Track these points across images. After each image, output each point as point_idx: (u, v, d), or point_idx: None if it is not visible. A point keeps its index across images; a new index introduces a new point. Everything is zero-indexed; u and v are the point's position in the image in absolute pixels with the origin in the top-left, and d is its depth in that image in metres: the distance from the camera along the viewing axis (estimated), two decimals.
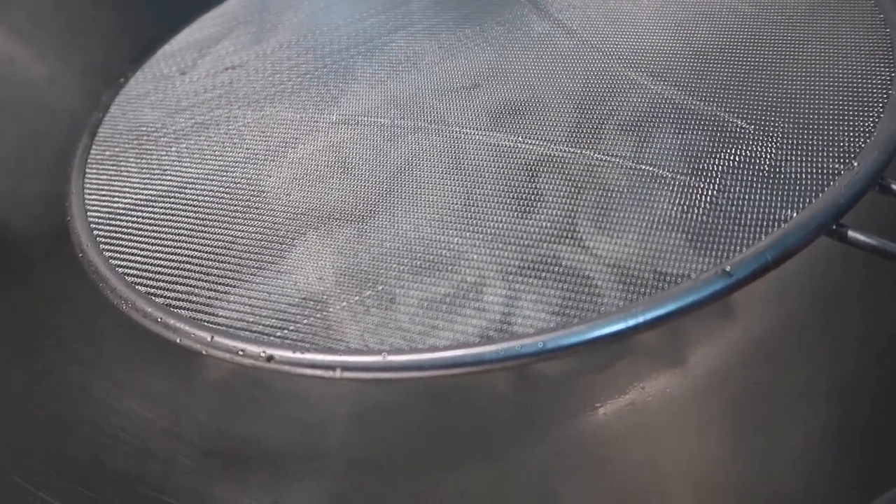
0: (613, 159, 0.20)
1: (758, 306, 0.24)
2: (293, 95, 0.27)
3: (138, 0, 0.36)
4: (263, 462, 0.25)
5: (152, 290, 0.20)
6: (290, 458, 0.25)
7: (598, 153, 0.20)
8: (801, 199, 0.17)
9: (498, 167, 0.21)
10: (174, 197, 0.23)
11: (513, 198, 0.20)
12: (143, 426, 0.24)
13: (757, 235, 0.17)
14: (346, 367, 0.16)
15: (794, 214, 0.17)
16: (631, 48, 0.24)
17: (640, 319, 0.16)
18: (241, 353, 0.17)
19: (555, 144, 0.21)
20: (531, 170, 0.21)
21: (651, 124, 0.21)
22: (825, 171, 0.18)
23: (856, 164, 0.18)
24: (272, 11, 0.32)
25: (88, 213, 0.23)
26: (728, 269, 0.16)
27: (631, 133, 0.21)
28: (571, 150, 0.21)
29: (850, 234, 0.17)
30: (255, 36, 0.31)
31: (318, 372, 0.16)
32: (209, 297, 0.19)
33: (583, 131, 0.21)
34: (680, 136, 0.20)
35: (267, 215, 0.21)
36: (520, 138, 0.22)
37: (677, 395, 0.24)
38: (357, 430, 0.25)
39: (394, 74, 0.27)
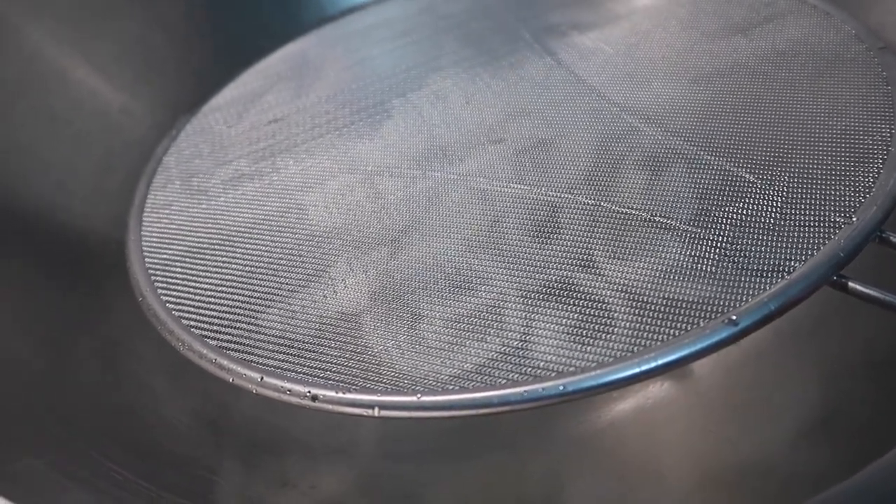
0: (628, 211, 0.22)
1: None
2: (331, 147, 0.29)
3: (204, 40, 0.39)
4: (300, 450, 0.28)
5: (206, 333, 0.21)
6: (325, 448, 0.28)
7: (613, 204, 0.22)
8: (804, 251, 0.19)
9: (517, 216, 0.23)
10: (224, 244, 0.25)
11: (531, 240, 0.21)
12: (195, 416, 0.27)
13: (762, 286, 0.18)
14: (383, 407, 0.18)
15: (798, 265, 0.18)
16: (645, 102, 0.26)
17: (653, 365, 0.17)
18: (288, 392, 0.19)
19: (571, 194, 0.23)
20: (549, 221, 0.22)
21: (663, 176, 0.23)
22: (827, 225, 0.19)
23: (855, 218, 0.19)
24: (310, 67, 0.35)
25: (146, 259, 0.25)
26: (734, 318, 0.17)
27: (644, 184, 0.23)
28: (587, 202, 0.22)
29: (851, 285, 0.18)
30: (295, 91, 0.33)
31: (358, 410, 0.18)
32: (258, 340, 0.21)
33: (598, 182, 0.23)
34: (690, 188, 0.22)
35: (309, 262, 0.23)
36: (541, 189, 0.24)
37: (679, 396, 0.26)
38: (385, 422, 0.27)
39: (424, 127, 0.28)
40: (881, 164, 0.20)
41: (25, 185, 0.32)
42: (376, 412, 0.18)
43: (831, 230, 0.19)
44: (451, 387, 0.18)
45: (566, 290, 0.20)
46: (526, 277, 0.21)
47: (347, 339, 0.20)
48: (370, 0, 0.39)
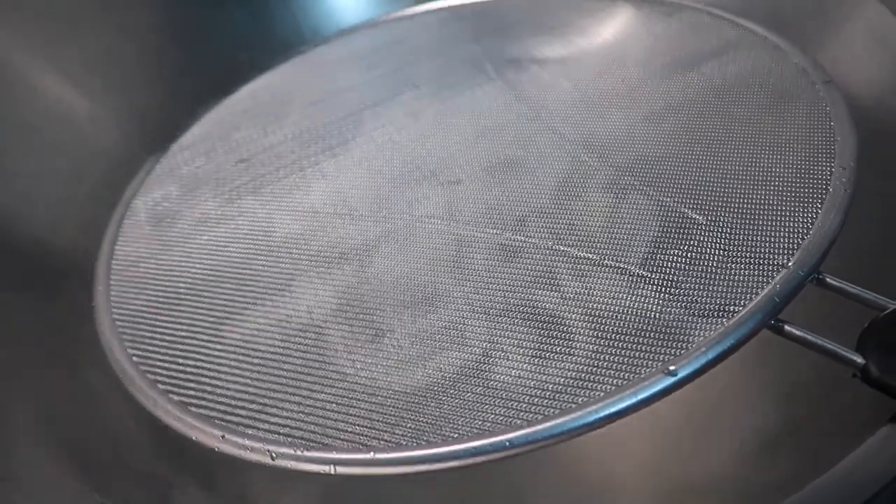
0: (581, 255, 0.22)
1: None
2: (295, 189, 0.29)
3: (175, 53, 0.40)
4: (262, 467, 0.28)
5: (171, 388, 0.22)
6: None
7: (567, 247, 0.23)
8: (744, 297, 0.19)
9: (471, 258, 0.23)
10: (190, 294, 0.25)
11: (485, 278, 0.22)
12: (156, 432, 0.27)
13: (700, 334, 0.19)
14: (338, 464, 0.19)
15: (737, 310, 0.19)
16: (600, 139, 0.27)
17: (597, 416, 0.18)
18: (249, 450, 0.20)
19: (526, 237, 0.23)
20: (503, 255, 0.23)
21: (615, 216, 0.23)
22: (766, 268, 0.20)
23: (791, 262, 0.19)
24: (278, 103, 0.35)
25: (113, 311, 0.26)
26: (672, 368, 0.18)
27: (597, 226, 0.23)
28: (541, 244, 0.23)
29: (787, 328, 0.19)
30: (262, 129, 0.34)
31: (316, 468, 0.19)
32: (222, 396, 0.21)
33: (552, 223, 0.24)
34: (641, 230, 0.22)
35: (272, 313, 0.24)
36: (494, 230, 0.24)
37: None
38: None
39: (384, 167, 0.29)
40: (820, 204, 0.21)
41: None
42: (333, 470, 0.18)
43: (770, 274, 0.20)
44: (404, 442, 0.18)
45: (517, 334, 0.20)
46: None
47: (307, 393, 0.21)
48: (336, 33, 0.40)
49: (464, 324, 0.21)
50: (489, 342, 0.20)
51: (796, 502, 0.16)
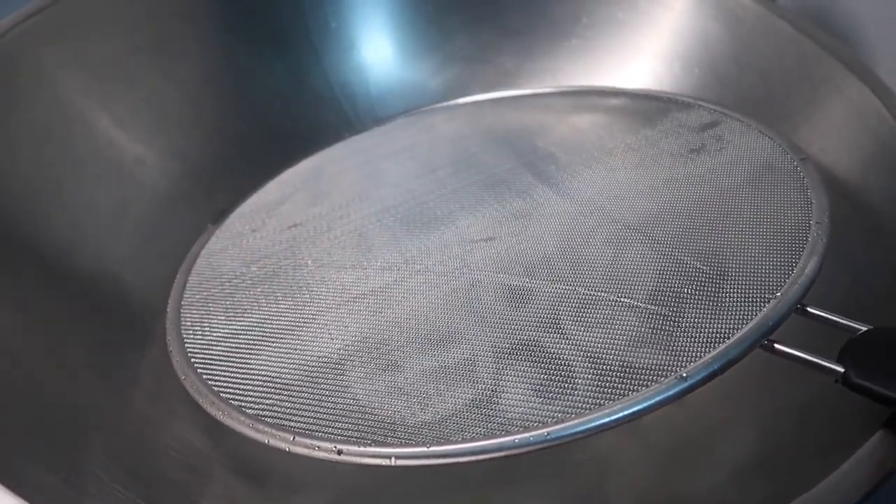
0: (599, 294, 0.26)
1: None
2: (345, 249, 0.33)
3: (213, 100, 0.44)
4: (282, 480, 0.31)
5: (243, 404, 0.25)
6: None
7: (587, 289, 0.26)
8: (741, 322, 0.23)
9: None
10: (256, 330, 0.29)
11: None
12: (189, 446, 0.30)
13: (707, 350, 0.22)
14: (398, 457, 0.22)
15: (735, 333, 0.22)
16: (621, 212, 0.31)
17: (614, 417, 0.21)
18: (316, 448, 0.22)
19: (554, 283, 0.27)
20: (526, 299, 0.27)
21: (628, 262, 0.27)
22: (759, 301, 0.23)
23: (779, 294, 0.23)
24: (324, 180, 0.40)
25: (185, 344, 0.29)
26: (684, 374, 0.21)
27: (611, 271, 0.27)
28: (566, 288, 0.27)
29: (777, 346, 0.22)
30: (312, 200, 0.38)
31: (377, 461, 0.22)
32: (289, 407, 0.24)
33: (575, 273, 0.27)
34: (650, 273, 0.26)
35: (327, 345, 0.27)
36: (524, 279, 0.28)
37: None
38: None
39: (426, 232, 0.33)
40: (801, 250, 0.25)
41: (47, 222, 0.36)
42: (393, 461, 0.21)
43: (762, 304, 0.23)
44: (455, 438, 0.21)
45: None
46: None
47: (361, 403, 0.24)
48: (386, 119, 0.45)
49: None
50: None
51: None
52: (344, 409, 0.24)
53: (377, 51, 0.47)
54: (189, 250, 0.36)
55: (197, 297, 0.32)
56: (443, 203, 0.36)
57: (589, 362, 0.23)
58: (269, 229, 0.37)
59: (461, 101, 0.45)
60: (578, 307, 0.26)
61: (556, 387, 0.23)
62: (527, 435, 0.21)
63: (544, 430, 0.21)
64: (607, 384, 0.22)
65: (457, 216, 0.34)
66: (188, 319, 0.31)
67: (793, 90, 0.35)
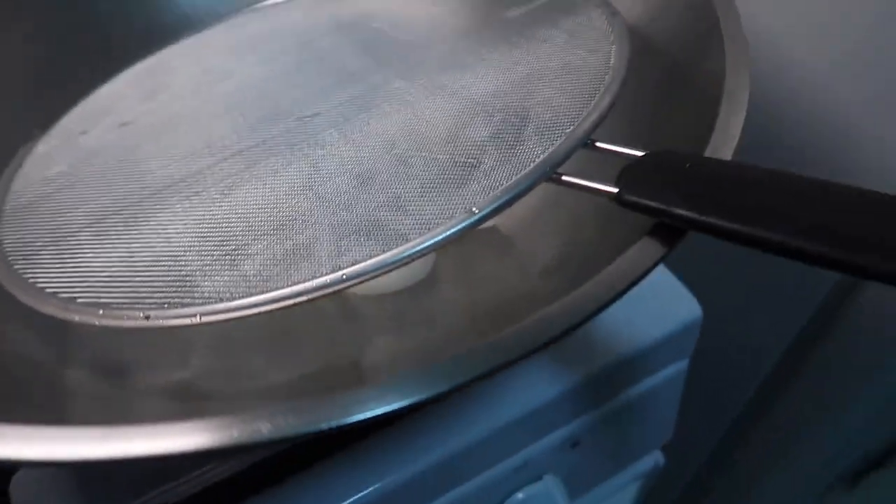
0: (423, 154, 0.27)
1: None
2: (180, 142, 0.33)
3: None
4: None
5: (58, 290, 0.25)
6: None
7: (421, 152, 0.27)
8: (533, 159, 0.24)
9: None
10: (85, 227, 0.28)
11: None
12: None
13: (498, 185, 0.23)
14: (204, 314, 0.22)
15: (525, 169, 0.23)
16: (454, 83, 0.31)
17: (422, 245, 0.22)
18: (125, 317, 0.23)
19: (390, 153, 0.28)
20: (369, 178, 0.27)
21: (457, 131, 0.28)
22: (551, 135, 0.25)
23: (568, 131, 0.24)
24: (159, 79, 0.39)
25: (5, 245, 0.28)
26: (475, 209, 0.22)
27: (443, 137, 0.28)
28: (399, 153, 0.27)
29: (564, 178, 0.23)
30: (145, 98, 0.37)
31: (183, 321, 0.22)
32: (105, 289, 0.24)
33: (413, 143, 0.28)
34: (467, 131, 0.27)
35: (159, 237, 0.27)
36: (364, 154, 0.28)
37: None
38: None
39: (266, 121, 0.33)
40: (596, 93, 0.26)
41: None
42: (199, 319, 0.22)
43: (554, 139, 0.24)
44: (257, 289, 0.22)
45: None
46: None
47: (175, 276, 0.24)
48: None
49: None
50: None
51: (570, 300, 0.21)
52: (160, 281, 0.24)
53: None
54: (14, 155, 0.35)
55: (22, 199, 0.31)
56: (283, 91, 0.35)
57: (397, 212, 0.24)
58: (100, 129, 0.35)
59: None
60: (399, 169, 0.26)
61: (361, 235, 0.23)
62: (325, 278, 0.22)
63: (340, 273, 0.22)
64: (407, 228, 0.23)
65: (298, 104, 0.34)
66: (12, 221, 0.30)
67: None
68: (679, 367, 0.43)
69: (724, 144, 0.24)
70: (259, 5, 0.44)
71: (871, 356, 0.49)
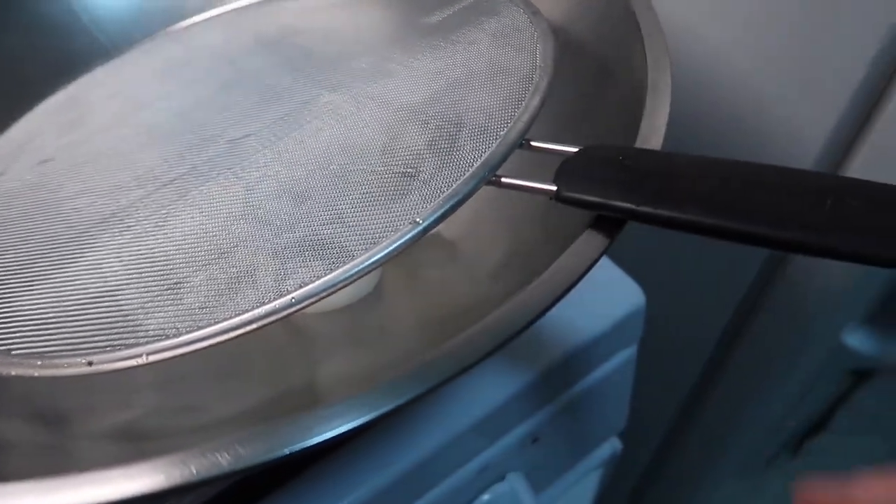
0: (360, 167, 0.26)
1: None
2: (105, 176, 0.31)
3: None
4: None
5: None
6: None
7: (358, 166, 0.27)
8: (470, 164, 0.24)
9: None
10: (12, 272, 0.27)
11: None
12: None
13: (438, 193, 0.23)
14: (150, 353, 0.21)
15: (464, 175, 0.24)
16: (385, 94, 0.31)
17: (368, 262, 0.22)
18: (65, 365, 0.22)
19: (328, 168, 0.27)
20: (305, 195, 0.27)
21: (390, 142, 0.28)
22: (487, 140, 0.25)
23: (503, 134, 0.25)
24: (77, 111, 0.37)
25: None
26: (419, 220, 0.22)
27: (374, 150, 0.27)
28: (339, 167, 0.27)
29: (503, 180, 0.24)
30: (64, 132, 0.35)
31: (130, 363, 0.21)
32: (41, 336, 0.23)
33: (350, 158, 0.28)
34: (402, 142, 0.27)
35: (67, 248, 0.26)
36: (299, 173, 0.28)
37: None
38: None
39: (194, 147, 0.32)
40: (526, 92, 0.27)
41: None
42: (145, 359, 0.21)
43: (490, 143, 0.25)
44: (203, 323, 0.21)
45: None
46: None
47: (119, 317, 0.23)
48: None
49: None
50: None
51: (517, 301, 0.21)
52: (100, 323, 0.23)
53: None
54: None
55: None
56: (210, 115, 0.34)
57: (340, 229, 0.24)
58: (18, 169, 0.34)
59: (221, 10, 0.43)
60: (338, 186, 0.26)
61: (306, 256, 0.23)
62: (273, 304, 0.21)
63: (289, 297, 0.21)
64: (352, 245, 0.23)
65: (227, 126, 0.33)
66: None
67: None
68: (628, 353, 0.44)
69: (652, 135, 0.25)
70: (174, 28, 0.43)
71: (801, 326, 0.51)
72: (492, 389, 0.36)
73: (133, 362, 0.21)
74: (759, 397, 0.58)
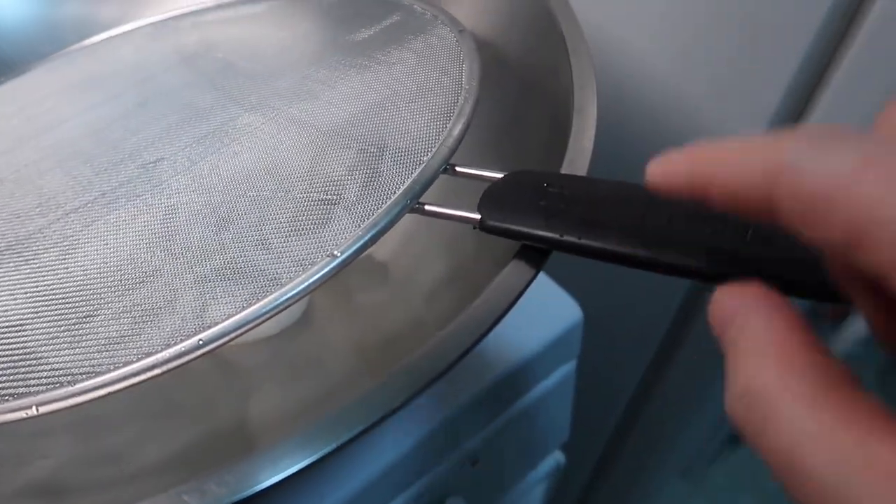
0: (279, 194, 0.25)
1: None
2: (13, 201, 0.29)
3: None
4: None
5: None
6: None
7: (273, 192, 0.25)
8: (392, 192, 0.23)
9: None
10: None
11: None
12: None
13: (362, 220, 0.22)
14: (41, 403, 0.19)
15: (385, 203, 0.23)
16: (308, 116, 0.30)
17: (282, 299, 0.20)
18: None
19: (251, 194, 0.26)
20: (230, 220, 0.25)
21: (309, 164, 0.26)
22: (410, 166, 0.24)
23: (426, 159, 0.24)
24: None
25: None
26: (337, 253, 0.21)
27: (294, 175, 0.26)
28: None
29: (427, 207, 0.23)
30: None
31: (16, 415, 0.19)
32: None
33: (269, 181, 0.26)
34: (322, 168, 0.26)
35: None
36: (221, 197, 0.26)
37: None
38: None
39: (109, 167, 0.30)
40: (451, 115, 0.26)
41: None
42: (35, 410, 0.19)
43: (413, 168, 0.24)
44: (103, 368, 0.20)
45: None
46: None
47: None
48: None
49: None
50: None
51: (456, 325, 0.20)
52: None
53: None
54: None
55: None
56: (123, 136, 0.32)
57: (262, 258, 0.23)
58: None
59: (139, 23, 0.41)
60: (255, 214, 0.25)
61: (226, 287, 0.22)
62: (179, 346, 0.20)
63: (196, 338, 0.20)
64: (278, 272, 0.21)
65: (140, 149, 0.31)
66: None
67: None
68: (568, 368, 0.43)
69: (579, 156, 0.24)
70: (87, 42, 0.40)
71: None
72: (425, 414, 0.35)
73: (21, 414, 0.20)
74: (699, 396, 0.59)
